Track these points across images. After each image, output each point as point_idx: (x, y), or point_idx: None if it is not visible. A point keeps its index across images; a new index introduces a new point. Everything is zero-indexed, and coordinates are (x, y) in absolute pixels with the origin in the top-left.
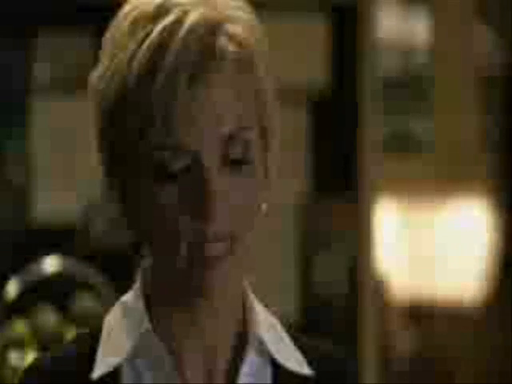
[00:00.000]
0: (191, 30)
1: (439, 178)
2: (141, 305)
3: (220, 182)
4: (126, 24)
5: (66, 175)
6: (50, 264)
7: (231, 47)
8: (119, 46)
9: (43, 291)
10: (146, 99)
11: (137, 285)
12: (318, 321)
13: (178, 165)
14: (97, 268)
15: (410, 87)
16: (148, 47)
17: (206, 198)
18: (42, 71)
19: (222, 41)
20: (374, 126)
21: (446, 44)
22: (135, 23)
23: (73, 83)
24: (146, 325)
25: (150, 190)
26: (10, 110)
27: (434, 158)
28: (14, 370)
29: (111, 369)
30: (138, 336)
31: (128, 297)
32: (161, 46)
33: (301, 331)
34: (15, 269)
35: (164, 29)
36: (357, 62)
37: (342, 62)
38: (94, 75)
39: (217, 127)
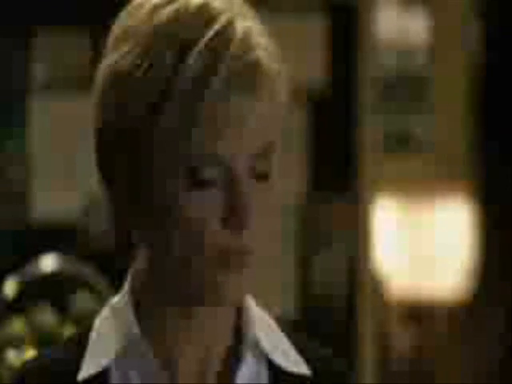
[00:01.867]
0: (241, 42)
1: (439, 178)
2: (129, 307)
3: (252, 193)
4: (160, 18)
5: (66, 175)
6: (50, 263)
7: (270, 61)
8: (158, 41)
9: (42, 290)
10: (196, 102)
11: (126, 286)
12: (317, 321)
13: (210, 173)
14: (97, 268)
15: (410, 87)
16: (200, 56)
17: (243, 208)
18: (41, 71)
19: (263, 55)
20: (373, 126)
21: (445, 44)
22: (174, 21)
23: (73, 83)
24: (133, 327)
25: (183, 195)
26: (10, 110)
27: (433, 158)
28: (12, 368)
29: (98, 370)
30: (125, 338)
31: (117, 298)
32: (213, 56)
33: (300, 331)
34: (15, 269)
35: (213, 37)
36: (357, 61)
37: (342, 62)
38: (117, 66)
39: (254, 141)
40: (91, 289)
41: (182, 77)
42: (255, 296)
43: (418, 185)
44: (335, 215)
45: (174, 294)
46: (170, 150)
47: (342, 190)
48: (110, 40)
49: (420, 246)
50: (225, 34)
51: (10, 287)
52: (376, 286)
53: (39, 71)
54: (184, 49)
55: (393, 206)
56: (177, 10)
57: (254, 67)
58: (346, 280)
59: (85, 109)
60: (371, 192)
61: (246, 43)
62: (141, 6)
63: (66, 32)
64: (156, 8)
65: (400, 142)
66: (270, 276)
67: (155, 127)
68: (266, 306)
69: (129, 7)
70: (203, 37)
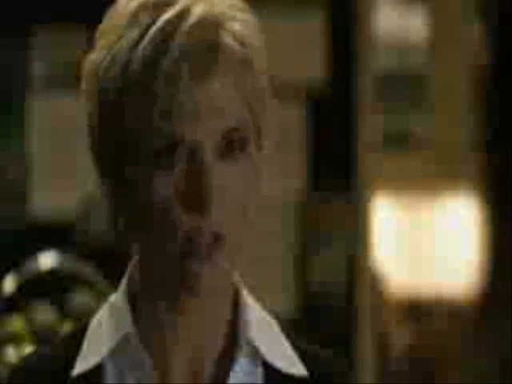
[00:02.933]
0: (196, 23)
1: (439, 177)
2: (125, 304)
3: (216, 175)
4: (126, 12)
5: (66, 175)
6: (49, 261)
7: (234, 44)
8: (119, 34)
9: (42, 288)
10: (148, 87)
11: (123, 283)
12: (317, 320)
13: (175, 155)
14: (96, 266)
15: (410, 87)
16: (152, 36)
17: (202, 189)
18: (41, 70)
19: (225, 37)
20: (373, 126)
21: (445, 43)
22: (136, 12)
23: (72, 82)
24: (128, 325)
25: (146, 180)
26: (10, 110)
27: (433, 157)
28: (11, 365)
29: (91, 367)
30: (119, 336)
31: (114, 296)
32: (165, 36)
33: (300, 331)
34: (15, 268)
35: (168, 19)
36: (356, 61)
37: (342, 62)
38: (90, 61)
39: (217, 120)
40: (90, 287)
41: (138, 55)
42: (255, 296)
43: (418, 184)
44: (335, 215)
45: (161, 286)
46: (134, 132)
47: (342, 189)
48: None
49: (420, 245)
50: (180, 17)
51: (10, 285)
52: (376, 286)
53: (39, 71)
54: (142, 32)
55: (392, 206)
56: (141, 1)
57: (210, 48)
58: (345, 279)
59: (85, 108)
60: (371, 192)
61: (204, 24)
62: (116, 4)
63: (66, 31)
64: (125, 2)
65: (400, 142)
66: (270, 276)
67: (124, 110)
68: (265, 305)
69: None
70: (160, 19)
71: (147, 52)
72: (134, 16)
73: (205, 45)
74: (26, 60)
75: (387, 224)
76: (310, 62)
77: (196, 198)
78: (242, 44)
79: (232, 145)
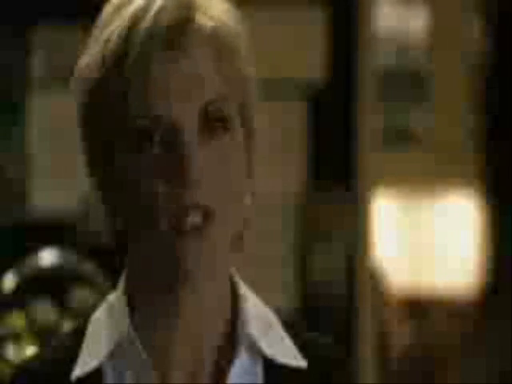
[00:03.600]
0: (164, 6)
1: (439, 177)
2: (123, 305)
3: (197, 151)
4: (106, 14)
5: (66, 175)
6: (49, 259)
7: (207, 21)
8: (99, 33)
9: (42, 286)
10: (122, 74)
11: (121, 284)
12: (317, 320)
13: (156, 133)
14: (97, 264)
15: (410, 86)
16: (122, 26)
17: (182, 162)
18: (41, 71)
19: (199, 15)
20: (373, 126)
21: (445, 43)
22: (112, 13)
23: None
24: (128, 326)
25: (130, 160)
26: (10, 110)
27: (433, 158)
28: (12, 364)
29: (91, 369)
30: (118, 336)
31: (112, 296)
32: (135, 23)
33: (300, 330)
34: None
35: (138, 7)
36: (357, 61)
37: (342, 62)
38: (78, 67)
39: (192, 95)
40: (91, 285)
41: (112, 42)
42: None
43: (418, 184)
44: (335, 215)
45: (151, 278)
46: (114, 111)
47: (342, 189)
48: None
49: (420, 244)
50: (147, 6)
51: (10, 283)
52: (376, 286)
53: (39, 71)
54: (114, 29)
55: (393, 206)
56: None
57: (182, 24)
58: (345, 279)
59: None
60: (371, 192)
61: (171, 7)
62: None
63: (66, 32)
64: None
65: (400, 142)
66: (270, 276)
67: (105, 90)
68: (265, 305)
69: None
70: (132, 6)
71: (118, 40)
72: (113, 14)
73: (174, 21)
74: (26, 60)
75: (387, 224)
76: (310, 62)
77: (176, 172)
78: (213, 20)
79: (212, 123)
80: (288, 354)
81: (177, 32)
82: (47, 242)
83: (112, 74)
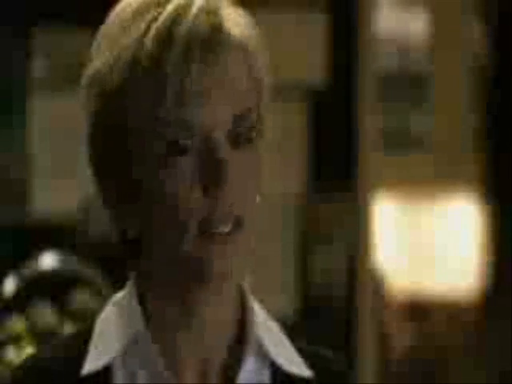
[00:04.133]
0: (198, 12)
1: (439, 178)
2: (134, 303)
3: (230, 159)
4: (125, 16)
5: (66, 175)
6: (49, 261)
7: (237, 31)
8: (121, 34)
9: (42, 289)
10: (157, 79)
11: (130, 283)
12: (317, 321)
13: (189, 140)
14: (97, 267)
15: (410, 87)
16: (159, 26)
17: (218, 168)
18: (41, 71)
19: (228, 24)
20: (373, 126)
21: (445, 44)
22: (137, 12)
23: (73, 83)
24: (139, 324)
25: (162, 170)
26: (10, 110)
27: (433, 158)
28: (12, 366)
29: (100, 367)
30: (130, 335)
31: (121, 295)
32: (169, 28)
33: (300, 332)
34: (15, 269)
35: (173, 9)
36: (357, 62)
37: (342, 62)
38: (93, 68)
39: (228, 104)
40: (91, 287)
41: (146, 47)
42: (255, 296)
43: (418, 185)
44: (335, 215)
45: (171, 279)
46: (145, 120)
47: (342, 190)
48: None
49: (420, 246)
50: (183, 8)
51: (10, 286)
52: (376, 287)
53: (39, 71)
54: (146, 27)
55: (393, 206)
56: (141, 1)
57: (215, 35)
58: (346, 280)
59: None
60: (371, 192)
61: (205, 12)
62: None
63: (66, 32)
64: (123, 7)
65: (400, 143)
66: (270, 276)
67: (131, 99)
68: (265, 306)
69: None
70: (167, 9)
71: (153, 46)
72: (136, 16)
73: (210, 29)
74: (26, 61)
75: (387, 224)
76: (310, 63)
77: (212, 183)
78: (243, 32)
79: (243, 128)
80: (295, 364)
81: (212, 41)
82: (47, 242)
83: (145, 78)
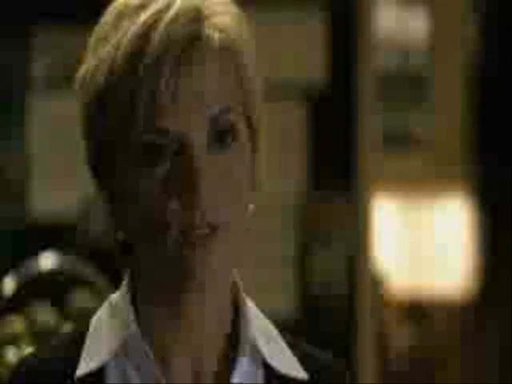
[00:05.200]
0: (176, 16)
1: (439, 178)
2: (127, 304)
3: (206, 164)
4: (110, 19)
5: (66, 175)
6: (49, 261)
7: (216, 34)
8: (103, 39)
9: (42, 289)
10: (132, 85)
11: (124, 284)
12: (317, 321)
13: (166, 148)
14: (96, 267)
15: (410, 87)
16: (133, 34)
17: (191, 178)
18: (41, 71)
19: (208, 28)
20: (373, 126)
21: (445, 44)
22: (120, 16)
23: (73, 83)
24: (132, 325)
25: (137, 175)
26: (10, 111)
27: (433, 158)
28: (11, 366)
29: (94, 369)
30: (123, 336)
31: (115, 296)
32: (146, 33)
33: (300, 331)
34: (15, 268)
35: (149, 16)
36: (357, 61)
37: (342, 62)
38: (80, 72)
39: (202, 109)
40: (91, 288)
41: (121, 52)
42: (255, 296)
43: (418, 184)
44: (335, 215)
45: (157, 280)
46: (121, 126)
47: (342, 189)
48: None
49: (420, 245)
50: (161, 12)
51: (9, 286)
52: (376, 286)
53: (39, 71)
54: (125, 31)
55: (393, 206)
56: (123, 4)
57: (191, 43)
58: (345, 280)
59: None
60: (371, 192)
61: (184, 16)
62: (109, 13)
63: (66, 32)
64: (109, 11)
65: (400, 142)
66: (270, 276)
67: (112, 116)
68: (265, 306)
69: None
70: (143, 15)
71: (128, 49)
72: (118, 20)
73: (185, 36)
74: (26, 61)
75: (387, 224)
76: (310, 63)
77: (186, 190)
78: (223, 33)
79: (221, 134)
80: (289, 365)
81: (186, 47)
82: (47, 243)
83: (120, 84)
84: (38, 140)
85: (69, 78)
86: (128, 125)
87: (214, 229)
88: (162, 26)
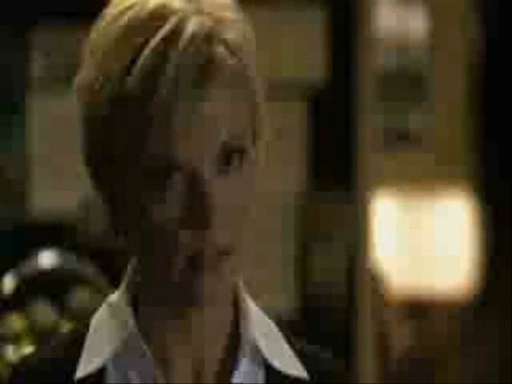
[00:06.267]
0: (190, 41)
1: (439, 178)
2: (126, 305)
3: (217, 191)
4: (116, 28)
5: (66, 175)
6: (49, 260)
7: (228, 56)
8: (111, 53)
9: (41, 288)
10: (145, 110)
11: (124, 284)
12: (317, 321)
13: (176, 172)
14: (97, 266)
15: (410, 87)
16: (147, 58)
17: (202, 203)
18: (41, 71)
19: (220, 51)
20: (373, 126)
21: (445, 43)
22: (128, 29)
23: (73, 83)
24: (131, 326)
25: (148, 199)
26: (10, 111)
27: (433, 158)
28: (11, 365)
29: (94, 370)
30: (122, 337)
31: (115, 296)
32: (159, 58)
33: (300, 331)
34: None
35: (163, 39)
36: (357, 61)
37: (342, 62)
38: (82, 79)
39: (215, 139)
40: (91, 287)
41: (132, 77)
42: (255, 296)
43: (418, 184)
44: (335, 215)
45: (161, 293)
46: (131, 150)
47: (342, 189)
48: (83, 54)
49: (420, 245)
50: (174, 34)
51: (9, 285)
52: (376, 286)
53: (39, 71)
54: (136, 52)
55: (393, 206)
56: (131, 16)
57: (205, 65)
58: (345, 280)
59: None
60: (371, 192)
61: (197, 41)
62: (105, 17)
63: (66, 32)
64: (114, 17)
65: (400, 142)
66: (270, 276)
67: (116, 127)
68: (265, 306)
69: (98, 20)
70: (154, 38)
71: (143, 73)
72: (126, 33)
73: (200, 62)
74: (26, 61)
75: (387, 224)
76: (310, 62)
77: (199, 217)
78: (236, 55)
79: (232, 158)
80: (290, 365)
81: (200, 70)
82: (47, 242)
83: (131, 107)
84: (38, 140)
85: (69, 78)
86: (137, 145)
87: (222, 253)
88: (175, 54)
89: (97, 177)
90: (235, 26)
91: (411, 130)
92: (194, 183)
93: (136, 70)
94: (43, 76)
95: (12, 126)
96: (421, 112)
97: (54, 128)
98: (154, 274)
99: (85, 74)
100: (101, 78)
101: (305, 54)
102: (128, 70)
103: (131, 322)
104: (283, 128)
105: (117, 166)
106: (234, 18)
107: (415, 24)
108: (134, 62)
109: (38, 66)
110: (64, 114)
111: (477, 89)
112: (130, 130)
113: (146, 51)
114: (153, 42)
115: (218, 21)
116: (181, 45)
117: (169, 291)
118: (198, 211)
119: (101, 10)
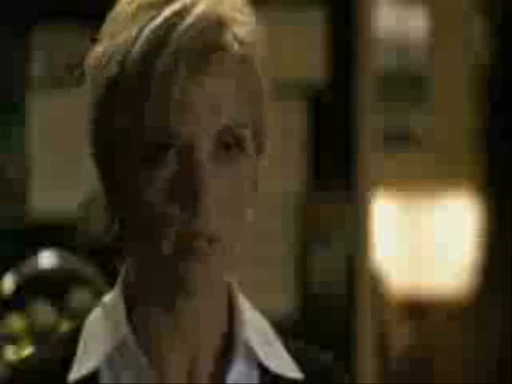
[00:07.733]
0: (196, 20)
1: (439, 178)
2: (121, 306)
3: (210, 175)
4: (129, 8)
5: (66, 175)
6: (49, 260)
7: (235, 44)
8: (121, 28)
9: (41, 288)
10: (142, 84)
11: (118, 285)
12: (317, 321)
13: (168, 153)
14: (96, 266)
15: (410, 87)
16: (149, 33)
17: (195, 188)
18: (41, 71)
19: (227, 36)
20: (373, 126)
21: (446, 43)
22: (139, 8)
23: (73, 83)
24: (124, 327)
25: (140, 175)
26: (10, 110)
27: (433, 158)
28: (11, 365)
29: (88, 371)
30: (116, 337)
31: (109, 297)
32: (162, 34)
33: (300, 331)
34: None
35: (170, 15)
36: (356, 61)
37: (342, 62)
38: (92, 55)
39: (212, 118)
40: (91, 286)
41: (136, 49)
42: (255, 296)
43: (418, 184)
44: (335, 215)
45: (155, 287)
46: (124, 131)
47: (342, 189)
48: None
49: (420, 245)
50: (179, 15)
51: (9, 285)
52: (376, 286)
53: (39, 71)
54: (141, 28)
55: (393, 206)
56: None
57: (208, 47)
58: (345, 280)
59: (85, 108)
60: (371, 192)
61: (206, 21)
62: (128, 3)
63: (66, 32)
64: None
65: (400, 142)
66: (270, 276)
67: (115, 107)
68: (265, 306)
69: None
70: (157, 17)
71: (144, 48)
72: (137, 11)
73: (203, 44)
74: (26, 60)
75: (387, 224)
76: (310, 63)
77: (188, 197)
78: (242, 44)
79: (228, 145)
80: (284, 366)
81: (204, 55)
82: (47, 242)
83: (132, 81)
84: (38, 139)
85: (69, 78)
86: (133, 125)
87: (212, 240)
88: (179, 30)
89: (99, 160)
90: (246, 22)
91: (411, 130)
92: (188, 163)
93: (138, 44)
94: (43, 76)
95: (12, 125)
96: (421, 112)
97: (54, 128)
98: (146, 260)
99: (97, 48)
100: (109, 49)
101: (305, 54)
102: (132, 45)
103: (123, 322)
104: (283, 128)
105: (118, 145)
106: (247, 14)
107: (415, 24)
108: (138, 37)
109: (38, 65)
110: (64, 114)
111: (477, 89)
112: (131, 102)
113: (152, 24)
114: (159, 17)
115: (229, 16)
116: (186, 21)
117: (160, 279)
118: (187, 191)
119: (101, 10)
